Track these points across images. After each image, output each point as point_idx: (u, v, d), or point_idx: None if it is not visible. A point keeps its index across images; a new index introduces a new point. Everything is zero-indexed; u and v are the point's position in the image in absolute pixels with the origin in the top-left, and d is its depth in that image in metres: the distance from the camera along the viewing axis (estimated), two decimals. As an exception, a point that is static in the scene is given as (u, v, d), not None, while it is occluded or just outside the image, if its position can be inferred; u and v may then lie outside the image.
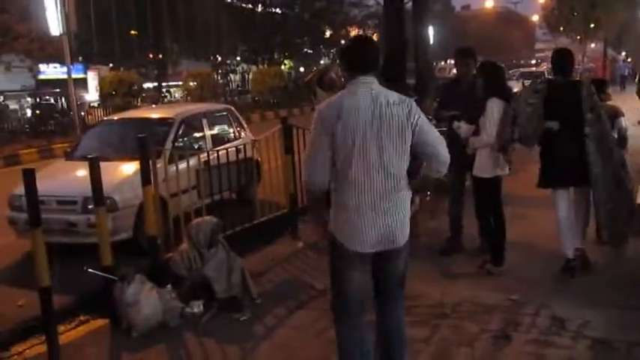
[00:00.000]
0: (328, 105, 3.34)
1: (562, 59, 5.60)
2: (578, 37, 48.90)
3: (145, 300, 4.98)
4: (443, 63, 51.02)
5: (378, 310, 3.64)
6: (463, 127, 5.89)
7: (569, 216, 5.68)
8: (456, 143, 6.39)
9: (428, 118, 9.35)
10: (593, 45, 55.15)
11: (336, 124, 3.25)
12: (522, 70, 38.43)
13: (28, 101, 32.87)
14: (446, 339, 4.49)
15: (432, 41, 10.89)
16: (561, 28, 49.99)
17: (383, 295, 3.60)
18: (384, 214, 3.33)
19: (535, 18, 66.35)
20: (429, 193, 8.97)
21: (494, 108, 5.61)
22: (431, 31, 10.72)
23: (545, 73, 29.77)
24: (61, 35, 21.76)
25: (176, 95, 37.15)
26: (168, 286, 5.33)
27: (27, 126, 22.88)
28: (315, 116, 3.34)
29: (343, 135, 3.24)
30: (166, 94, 37.00)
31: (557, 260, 6.09)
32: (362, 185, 3.28)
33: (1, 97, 21.71)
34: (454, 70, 6.75)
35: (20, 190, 7.27)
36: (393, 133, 3.32)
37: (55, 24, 21.55)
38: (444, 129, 8.76)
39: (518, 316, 4.81)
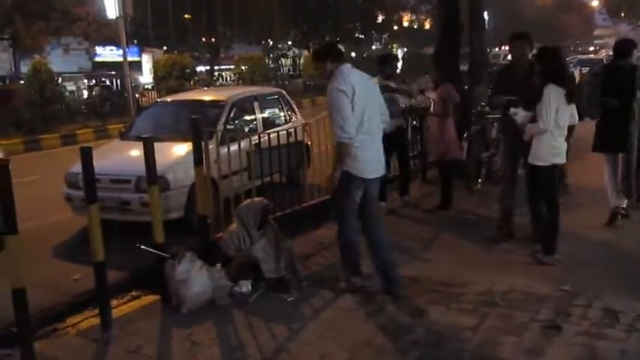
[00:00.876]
0: (344, 81, 4.81)
1: (623, 45, 6.82)
2: (640, 24, 47.24)
3: (195, 278, 5.08)
4: (497, 49, 49.99)
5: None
6: (520, 114, 5.77)
7: (613, 177, 6.83)
8: (509, 130, 6.31)
9: (481, 104, 9.30)
10: (655, 32, 53.19)
11: (353, 95, 4.77)
12: (580, 57, 37.35)
13: (84, 83, 33.67)
14: (494, 328, 4.44)
15: (486, 27, 10.68)
16: (622, 14, 48.36)
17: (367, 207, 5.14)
18: (378, 154, 5.13)
19: (594, 3, 64.33)
20: (480, 180, 8.88)
21: (550, 95, 5.48)
22: (485, 16, 10.51)
23: (604, 60, 28.88)
24: (117, 18, 22.16)
25: (228, 79, 37.46)
26: (218, 265, 5.42)
27: (83, 107, 23.42)
28: (342, 94, 4.76)
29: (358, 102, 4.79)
30: (218, 77, 37.32)
31: (611, 251, 5.96)
32: (372, 135, 4.99)
33: (60, 79, 22.20)
34: (509, 57, 6.61)
35: (77, 167, 7.51)
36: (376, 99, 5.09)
37: (111, 7, 21.94)
38: (497, 115, 8.67)
39: (570, 307, 4.72)
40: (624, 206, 6.84)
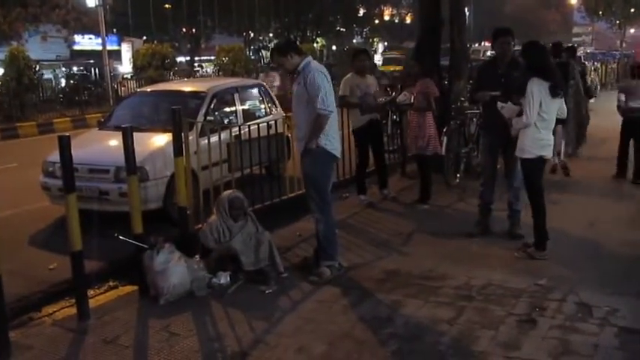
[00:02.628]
0: (322, 68, 5.45)
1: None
2: (618, 22, 47.78)
3: (174, 269, 5.05)
4: (477, 45, 50.32)
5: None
6: (507, 108, 5.80)
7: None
8: (489, 125, 6.36)
9: (460, 100, 9.33)
10: (632, 30, 53.89)
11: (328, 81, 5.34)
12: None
13: (62, 71, 33.26)
14: (471, 321, 4.48)
15: (467, 23, 10.73)
16: (600, 12, 48.88)
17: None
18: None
19: (573, 1, 64.91)
20: (458, 175, 8.93)
21: (533, 88, 5.52)
22: (466, 12, 10.56)
23: (582, 57, 29.14)
24: (96, 6, 21.95)
25: (208, 70, 37.23)
26: (197, 256, 5.40)
27: (61, 95, 23.16)
28: (322, 77, 5.32)
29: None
30: (198, 68, 37.09)
31: (588, 247, 6.04)
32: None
33: (37, 67, 21.93)
34: (488, 53, 6.64)
35: (54, 156, 7.42)
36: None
37: (91, -5, 21.71)
38: (476, 111, 8.71)
39: (545, 301, 4.77)
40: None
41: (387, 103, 8.14)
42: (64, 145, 4.54)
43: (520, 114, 5.67)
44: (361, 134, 7.89)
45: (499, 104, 5.88)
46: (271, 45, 49.34)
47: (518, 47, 7.21)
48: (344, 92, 7.80)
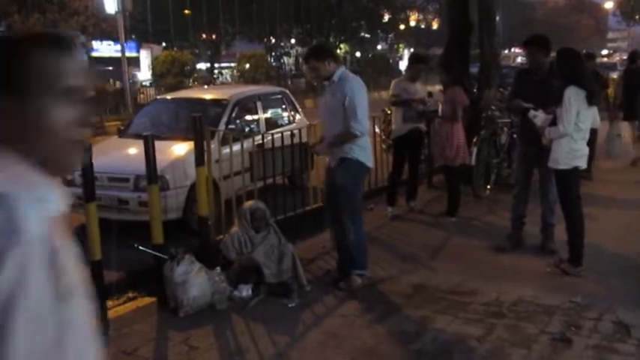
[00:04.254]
0: (361, 84, 5.47)
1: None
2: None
3: (194, 280, 5.09)
4: (507, 51, 50.09)
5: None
6: (540, 117, 5.78)
7: None
8: (524, 135, 6.32)
9: (491, 108, 9.28)
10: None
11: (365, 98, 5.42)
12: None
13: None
14: (501, 339, 4.45)
15: (497, 28, 10.70)
16: (637, 17, 48.40)
17: None
18: None
19: (608, 5, 64.39)
20: (488, 187, 8.89)
21: (571, 97, 5.49)
22: (496, 17, 10.52)
23: (618, 64, 28.87)
24: (116, 13, 22.24)
25: (228, 77, 37.52)
26: (217, 268, 5.43)
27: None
28: (362, 92, 5.38)
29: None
30: (219, 75, 37.39)
31: (626, 263, 5.97)
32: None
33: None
34: (519, 59, 6.62)
35: (73, 165, 7.52)
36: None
37: (110, 1, 22.04)
38: (507, 120, 8.68)
39: (580, 320, 4.72)
40: None
41: (426, 112, 8.08)
42: (86, 154, 4.61)
43: (552, 123, 5.64)
44: (400, 143, 7.91)
45: (531, 113, 5.86)
46: (293, 51, 49.70)
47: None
48: (395, 92, 7.87)
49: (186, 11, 38.71)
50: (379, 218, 7.78)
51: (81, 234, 4.74)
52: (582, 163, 5.75)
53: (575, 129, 5.56)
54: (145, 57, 36.84)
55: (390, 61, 53.98)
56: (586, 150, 5.76)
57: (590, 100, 5.57)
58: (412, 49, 58.21)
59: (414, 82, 7.93)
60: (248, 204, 5.82)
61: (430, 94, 8.49)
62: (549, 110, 5.71)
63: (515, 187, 6.59)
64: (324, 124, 5.69)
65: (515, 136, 8.41)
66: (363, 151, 5.46)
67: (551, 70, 6.05)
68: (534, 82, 6.13)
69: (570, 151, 5.63)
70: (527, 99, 6.09)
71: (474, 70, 10.15)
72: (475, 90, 9.91)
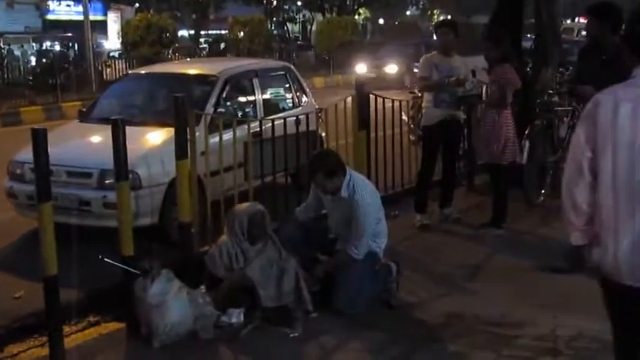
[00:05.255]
0: (375, 196, 6.17)
1: None
2: None
3: (172, 302, 5.13)
4: (570, 22, 49.94)
5: None
6: None
7: None
8: None
9: (548, 92, 9.23)
10: None
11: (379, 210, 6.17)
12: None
13: (32, 47, 33.86)
14: (556, 382, 4.47)
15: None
16: None
17: None
18: None
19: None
20: (543, 192, 8.90)
21: None
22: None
23: None
24: (78, -36, 22.34)
25: (219, 47, 37.52)
26: (202, 287, 5.47)
27: (30, 78, 23.60)
28: (376, 209, 6.03)
29: None
30: (205, 45, 37.43)
31: None
32: None
33: (1, 41, 22.45)
34: (584, 32, 6.61)
35: (22, 156, 7.61)
36: None
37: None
38: (568, 108, 8.66)
39: (656, 360, 4.74)
40: None
41: (466, 96, 8.03)
42: (40, 140, 4.65)
43: None
44: (432, 134, 7.92)
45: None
46: (300, 17, 49.67)
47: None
48: (423, 73, 7.92)
49: (166, -36, 38.86)
50: (405, 228, 7.81)
51: (33, 242, 4.79)
52: None
53: None
54: (113, 21, 36.96)
55: (422, 30, 53.92)
56: None
57: None
58: (449, 16, 58.13)
59: (449, 55, 7.93)
60: (243, 207, 5.85)
61: (474, 73, 8.49)
62: None
63: None
64: (336, 226, 6.07)
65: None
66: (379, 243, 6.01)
67: (621, 46, 6.06)
68: (602, 61, 6.14)
69: None
70: (592, 82, 6.10)
71: (527, 44, 10.16)
72: (529, 69, 9.91)
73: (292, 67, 10.77)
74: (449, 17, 56.03)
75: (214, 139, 6.75)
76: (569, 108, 9.18)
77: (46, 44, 35.45)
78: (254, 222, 5.68)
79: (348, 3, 46.95)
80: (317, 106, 9.14)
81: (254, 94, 9.22)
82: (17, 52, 29.39)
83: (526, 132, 8.57)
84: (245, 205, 5.95)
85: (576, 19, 51.52)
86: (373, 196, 6.01)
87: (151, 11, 34.81)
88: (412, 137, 9.42)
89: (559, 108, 9.15)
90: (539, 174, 8.97)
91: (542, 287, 6.11)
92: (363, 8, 51.20)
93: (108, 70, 25.95)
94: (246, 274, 5.50)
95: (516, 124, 7.96)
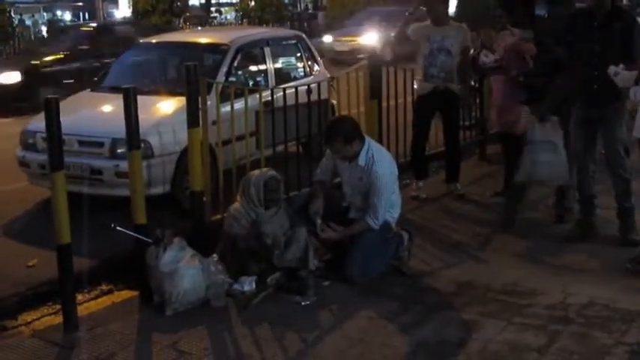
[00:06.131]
0: (393, 168, 6.12)
1: None
2: None
3: (185, 270, 5.16)
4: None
5: None
6: (622, 74, 5.74)
7: None
8: (585, 95, 6.32)
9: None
10: None
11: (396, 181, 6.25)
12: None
13: (43, 16, 33.84)
14: (567, 350, 4.48)
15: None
16: None
17: None
18: None
19: None
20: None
21: None
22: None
23: None
24: None
25: (228, 17, 37.47)
26: (214, 255, 5.50)
27: (42, 48, 23.61)
28: (391, 170, 6.00)
29: None
30: (216, 14, 37.31)
31: None
32: None
33: (11, 10, 22.42)
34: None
35: (34, 125, 7.65)
36: None
37: None
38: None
39: (667, 329, 4.75)
40: None
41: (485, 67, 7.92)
42: (52, 110, 4.67)
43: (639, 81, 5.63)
44: (424, 103, 7.87)
45: (612, 69, 5.81)
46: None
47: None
48: (409, 32, 7.90)
49: None
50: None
51: (46, 211, 4.82)
52: None
53: None
54: (124, -10, 36.80)
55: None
56: None
57: None
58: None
59: (441, 24, 7.77)
60: (257, 172, 5.87)
61: (488, 48, 8.32)
62: (632, 66, 5.69)
63: (577, 160, 6.56)
64: (351, 195, 6.04)
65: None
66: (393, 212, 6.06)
67: (613, 10, 6.04)
68: (593, 26, 6.09)
69: None
70: (583, 47, 6.08)
71: (540, 13, 10.03)
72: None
73: (304, 35, 10.72)
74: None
75: (226, 108, 6.74)
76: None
77: (57, 13, 35.38)
78: (269, 187, 5.71)
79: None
80: (329, 75, 9.09)
81: (265, 63, 9.21)
82: (28, 22, 29.37)
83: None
84: (260, 171, 5.97)
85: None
86: (392, 166, 6.03)
87: (162, -20, 34.63)
88: None
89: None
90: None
91: (553, 256, 6.11)
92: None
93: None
94: (261, 230, 5.55)
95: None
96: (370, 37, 22.48)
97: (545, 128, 6.37)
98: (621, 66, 5.78)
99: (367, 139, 5.93)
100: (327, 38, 24.90)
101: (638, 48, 5.98)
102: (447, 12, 8.01)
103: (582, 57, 6.21)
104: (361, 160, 5.77)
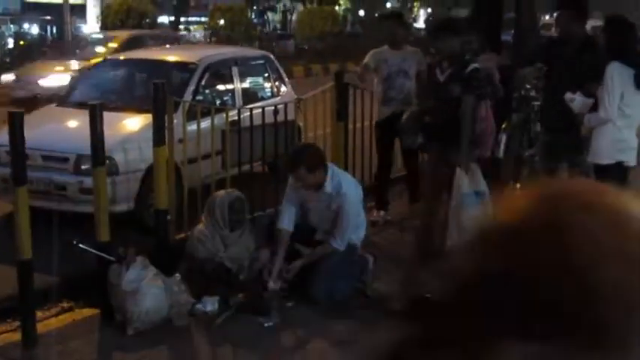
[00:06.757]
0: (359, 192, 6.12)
1: None
2: None
3: (147, 289, 5.11)
4: (548, 17, 50.18)
5: None
6: (578, 100, 5.82)
7: None
8: (551, 120, 6.44)
9: (525, 87, 9.23)
10: None
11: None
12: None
13: (10, 28, 33.56)
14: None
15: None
16: None
17: None
18: None
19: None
20: (519, 185, 8.94)
21: (614, 74, 5.54)
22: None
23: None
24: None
25: (197, 35, 37.44)
26: (177, 275, 5.46)
27: (8, 60, 23.43)
28: (358, 194, 6.08)
29: None
30: (185, 31, 37.29)
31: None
32: None
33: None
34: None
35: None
36: None
37: None
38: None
39: None
40: None
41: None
42: (16, 124, 4.62)
43: (595, 109, 5.72)
44: (382, 129, 7.86)
45: (568, 96, 5.90)
46: (280, 5, 49.56)
47: (599, 23, 7.29)
48: (368, 62, 7.81)
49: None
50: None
51: (7, 226, 4.76)
52: (630, 158, 5.81)
53: (618, 114, 5.62)
54: (93, 5, 36.59)
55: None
56: (635, 141, 5.81)
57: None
58: (429, 9, 58.31)
59: (398, 48, 7.79)
60: (222, 193, 5.86)
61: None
62: (592, 91, 5.78)
63: None
64: (312, 222, 6.03)
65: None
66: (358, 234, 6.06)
67: (585, 42, 6.18)
68: (565, 56, 6.21)
69: (614, 141, 5.70)
70: (555, 77, 6.19)
71: (506, 38, 10.17)
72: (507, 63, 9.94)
73: (272, 56, 10.74)
74: (429, 10, 56.23)
75: (192, 127, 6.72)
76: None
77: (25, 26, 35.11)
78: (234, 208, 5.70)
79: (328, -8, 46.92)
80: (296, 96, 9.11)
81: (233, 83, 9.19)
82: (-5, 34, 29.14)
83: (503, 126, 8.61)
84: (224, 191, 5.96)
85: (554, 15, 51.85)
86: (358, 188, 6.06)
87: (131, -4, 34.57)
88: None
89: (536, 103, 9.20)
90: (515, 167, 9.03)
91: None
92: (344, -1, 51.20)
93: (86, 54, 25.75)
94: (223, 257, 5.53)
95: (494, 117, 7.98)
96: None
97: (470, 177, 5.85)
98: (578, 93, 5.88)
99: (330, 165, 5.94)
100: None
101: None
102: (406, 36, 8.04)
103: (553, 84, 6.33)
104: (328, 187, 5.75)
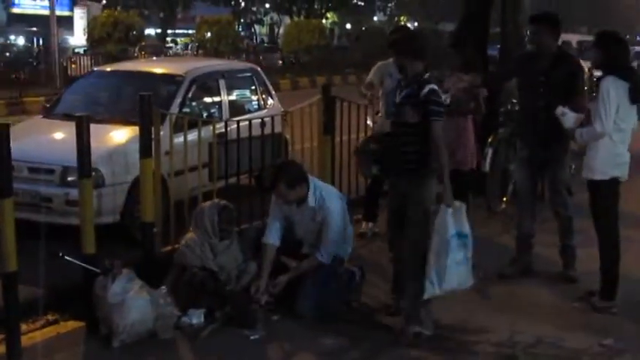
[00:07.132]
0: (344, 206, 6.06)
1: None
2: None
3: (133, 301, 5.09)
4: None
5: None
6: (569, 115, 5.86)
7: None
8: (528, 136, 6.49)
9: (511, 102, 9.26)
10: None
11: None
12: (638, 48, 37.86)
13: (-4, 40, 33.47)
14: (514, 388, 4.51)
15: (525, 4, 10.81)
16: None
17: None
18: None
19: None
20: (504, 199, 8.96)
21: (610, 88, 5.57)
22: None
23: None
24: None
25: (186, 47, 37.49)
26: (163, 287, 5.44)
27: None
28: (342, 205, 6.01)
29: None
30: (172, 44, 37.34)
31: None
32: None
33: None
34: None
35: (-16, 150, 7.50)
36: None
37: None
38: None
39: (611, 368, 4.81)
40: None
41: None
42: (2, 135, 4.60)
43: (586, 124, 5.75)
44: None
45: (559, 110, 5.93)
46: (267, 19, 49.63)
47: (585, 38, 7.35)
48: (371, 79, 7.81)
49: (135, -38, 38.67)
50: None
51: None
52: (623, 173, 5.83)
53: (614, 129, 5.64)
54: (79, 17, 36.68)
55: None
56: (627, 156, 5.85)
57: (635, 96, 5.65)
58: (416, 23, 58.50)
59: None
60: (210, 204, 5.86)
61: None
62: (578, 108, 5.85)
63: (518, 199, 6.73)
64: (298, 235, 6.00)
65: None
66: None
67: (558, 57, 6.31)
68: (537, 70, 6.28)
69: (609, 156, 5.71)
70: (529, 92, 6.33)
71: (492, 52, 10.22)
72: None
73: (259, 69, 10.76)
74: (415, 24, 56.44)
75: (179, 139, 6.72)
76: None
77: (10, 38, 35.06)
78: (223, 217, 5.72)
79: (316, 6, 47.04)
80: (282, 109, 9.12)
81: (220, 95, 9.20)
82: (-20, 46, 29.05)
83: (489, 140, 8.64)
84: (210, 202, 5.96)
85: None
86: (342, 201, 6.06)
87: (119, 8, 34.57)
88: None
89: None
90: (501, 182, 9.06)
91: (501, 294, 6.16)
92: (331, 12, 51.30)
93: (73, 66, 25.73)
94: (212, 265, 5.58)
95: (480, 131, 8.02)
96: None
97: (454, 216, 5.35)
98: (567, 107, 5.92)
99: (311, 179, 5.92)
100: None
101: (582, 92, 6.23)
102: None
103: (528, 98, 6.41)
104: (311, 201, 5.76)
